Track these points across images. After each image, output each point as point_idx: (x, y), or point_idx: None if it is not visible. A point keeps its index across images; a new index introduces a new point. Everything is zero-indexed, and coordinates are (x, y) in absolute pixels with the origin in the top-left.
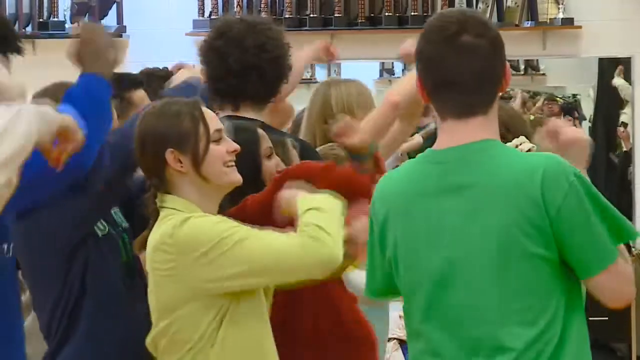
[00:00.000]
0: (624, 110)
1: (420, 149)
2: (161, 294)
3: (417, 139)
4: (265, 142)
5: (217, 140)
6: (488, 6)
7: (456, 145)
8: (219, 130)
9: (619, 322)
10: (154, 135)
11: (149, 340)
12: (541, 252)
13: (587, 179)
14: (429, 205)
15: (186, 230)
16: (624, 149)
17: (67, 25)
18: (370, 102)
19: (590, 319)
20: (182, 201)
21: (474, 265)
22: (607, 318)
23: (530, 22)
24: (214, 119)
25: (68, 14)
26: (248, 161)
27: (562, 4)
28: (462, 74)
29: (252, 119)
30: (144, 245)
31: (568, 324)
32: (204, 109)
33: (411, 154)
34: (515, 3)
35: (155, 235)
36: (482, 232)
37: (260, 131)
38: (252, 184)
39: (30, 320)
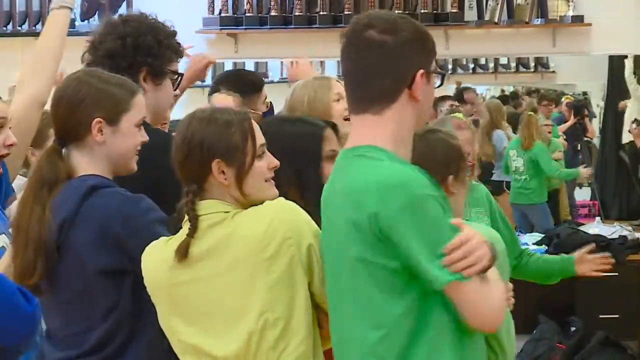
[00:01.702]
0: (627, 102)
1: None
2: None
3: None
4: (329, 145)
5: (260, 155)
6: (498, 3)
7: (348, 147)
8: (262, 145)
9: (630, 320)
10: (203, 144)
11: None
12: (379, 260)
13: (436, 207)
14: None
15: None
16: (630, 143)
17: (77, 23)
18: (325, 98)
19: (601, 316)
20: (227, 205)
21: (335, 265)
22: (617, 316)
23: (540, 19)
24: (259, 133)
25: (78, 11)
26: (307, 159)
27: (572, 1)
28: (357, 66)
29: None
30: (185, 254)
31: (421, 329)
32: (253, 122)
33: None
34: (525, 0)
35: (254, 231)
36: (337, 234)
37: (327, 132)
38: (310, 186)
39: None
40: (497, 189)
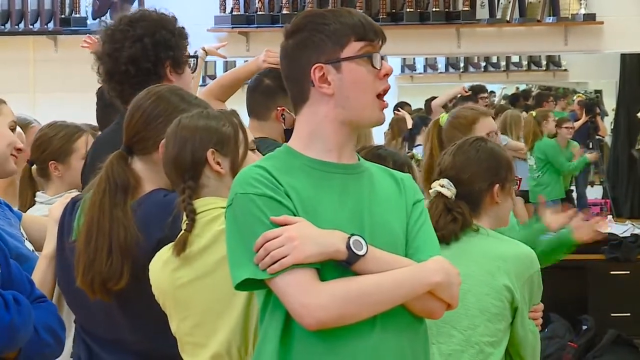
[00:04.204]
0: None
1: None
2: None
3: None
4: None
5: (253, 149)
6: (510, 2)
7: None
8: (253, 141)
9: None
10: (195, 136)
11: None
12: None
13: (249, 205)
14: None
15: None
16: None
17: (89, 22)
18: None
19: (613, 315)
20: (224, 200)
21: None
22: (629, 314)
23: (552, 17)
24: (248, 130)
25: (90, 10)
26: None
27: None
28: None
29: None
30: (183, 248)
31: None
32: (241, 119)
33: None
34: None
35: None
36: None
37: None
38: None
39: None
40: None
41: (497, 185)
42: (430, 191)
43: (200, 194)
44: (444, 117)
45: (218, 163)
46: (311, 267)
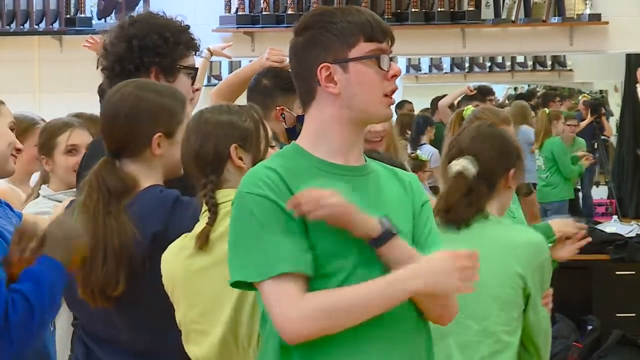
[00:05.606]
0: None
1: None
2: None
3: None
4: None
5: (273, 146)
6: (515, 2)
7: None
8: (272, 136)
9: None
10: (218, 132)
11: None
12: None
13: (251, 206)
14: None
15: None
16: None
17: (94, 22)
18: None
19: (618, 315)
20: None
21: None
22: (634, 315)
23: (557, 17)
24: (267, 125)
25: (95, 10)
26: None
27: None
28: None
29: None
30: (206, 241)
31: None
32: (261, 115)
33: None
34: None
35: None
36: None
37: None
38: None
39: None
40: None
41: (513, 170)
42: (451, 169)
43: (222, 187)
44: (468, 110)
45: (240, 158)
46: (302, 272)
